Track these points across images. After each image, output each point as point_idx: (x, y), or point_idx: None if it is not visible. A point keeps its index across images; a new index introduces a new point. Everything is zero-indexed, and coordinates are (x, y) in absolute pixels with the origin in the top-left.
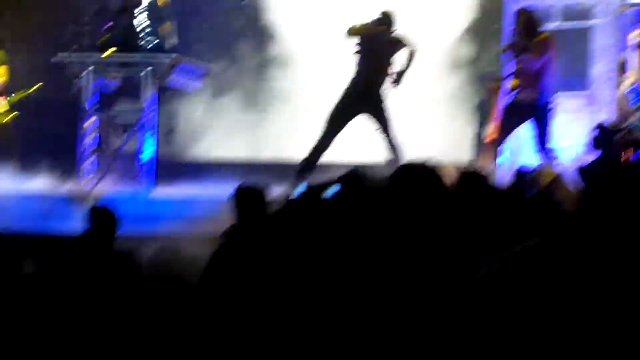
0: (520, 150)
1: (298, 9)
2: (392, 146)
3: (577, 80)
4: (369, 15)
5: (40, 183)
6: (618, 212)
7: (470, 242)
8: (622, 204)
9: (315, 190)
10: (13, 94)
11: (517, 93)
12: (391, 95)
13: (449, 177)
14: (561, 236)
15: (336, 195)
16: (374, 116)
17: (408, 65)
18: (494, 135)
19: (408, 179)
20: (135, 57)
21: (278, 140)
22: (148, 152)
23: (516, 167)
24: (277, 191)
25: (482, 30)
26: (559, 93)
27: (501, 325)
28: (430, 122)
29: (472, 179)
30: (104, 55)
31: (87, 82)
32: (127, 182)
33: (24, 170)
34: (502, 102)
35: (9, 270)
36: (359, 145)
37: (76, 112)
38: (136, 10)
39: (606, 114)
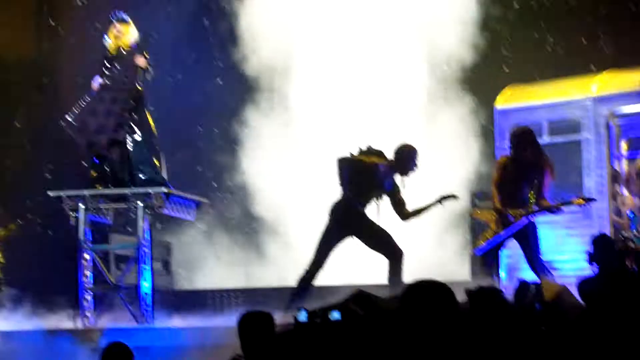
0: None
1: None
2: (391, 259)
3: (572, 192)
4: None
5: (43, 320)
6: (620, 329)
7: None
8: (623, 322)
9: (317, 315)
10: None
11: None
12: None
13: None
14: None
15: (343, 317)
16: (361, 237)
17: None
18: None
19: (420, 297)
20: (127, 191)
21: (274, 267)
22: (145, 284)
23: (515, 281)
24: (278, 317)
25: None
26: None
27: None
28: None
29: (486, 295)
30: (93, 191)
31: (81, 217)
32: (127, 315)
33: (26, 306)
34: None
35: None
36: (352, 267)
37: (74, 247)
38: (127, 144)
39: (601, 226)
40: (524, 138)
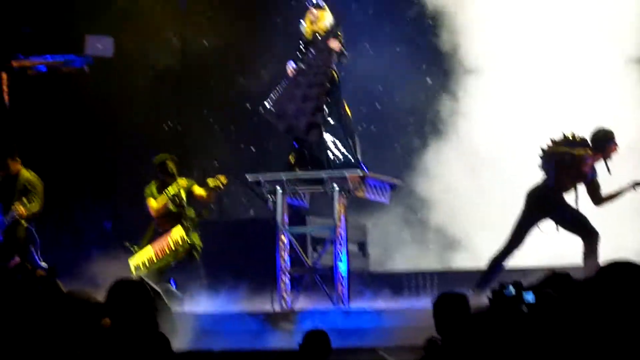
0: None
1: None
2: (588, 240)
3: None
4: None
5: (241, 302)
6: None
7: None
8: None
9: (515, 297)
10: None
11: None
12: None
13: None
14: None
15: (536, 299)
16: (557, 220)
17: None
18: None
19: (616, 278)
20: (323, 173)
21: (468, 249)
22: (341, 266)
23: None
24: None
25: None
26: None
27: None
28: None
29: None
30: (291, 174)
31: (279, 200)
32: (324, 297)
33: (224, 289)
34: None
35: None
36: (545, 249)
37: (271, 230)
38: (323, 128)
39: None
40: None
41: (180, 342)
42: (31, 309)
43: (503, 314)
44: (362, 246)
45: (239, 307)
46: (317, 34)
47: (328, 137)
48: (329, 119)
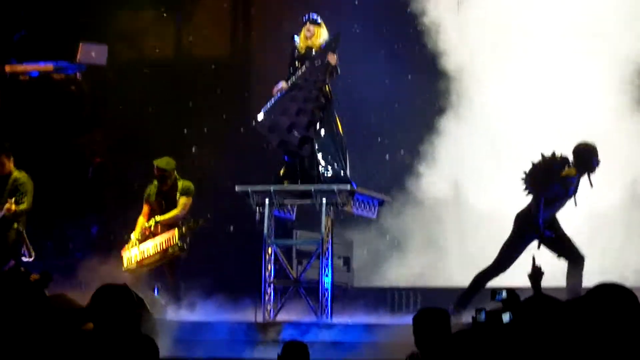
0: None
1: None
2: (574, 263)
3: None
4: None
5: (225, 312)
6: None
7: None
8: None
9: (494, 316)
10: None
11: None
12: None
13: None
14: None
15: (516, 319)
16: (545, 242)
17: None
18: None
19: (603, 300)
20: (312, 187)
21: (452, 266)
22: (326, 280)
23: None
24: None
25: None
26: None
27: None
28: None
29: None
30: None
31: (266, 212)
32: (307, 310)
33: (208, 298)
34: None
35: None
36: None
37: (257, 242)
38: (315, 143)
39: None
40: None
41: (161, 348)
42: (19, 313)
43: (484, 332)
44: (347, 260)
45: (222, 316)
46: (311, 50)
47: (320, 152)
48: (322, 134)
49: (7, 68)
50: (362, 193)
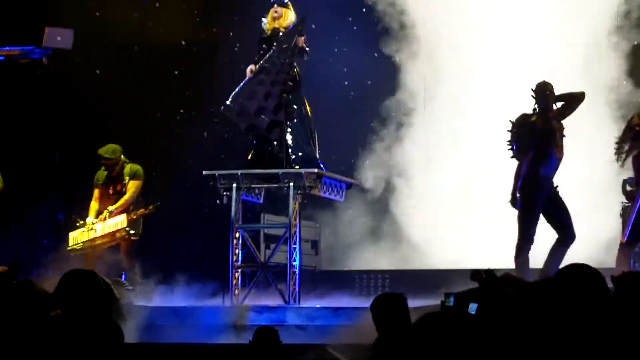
0: None
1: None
2: (563, 235)
3: None
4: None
5: (193, 297)
6: None
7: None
8: None
9: (463, 301)
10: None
11: None
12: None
13: None
14: None
15: (493, 298)
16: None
17: None
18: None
19: (573, 280)
20: (279, 171)
21: (420, 250)
22: (294, 263)
23: None
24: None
25: None
26: None
27: None
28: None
29: (630, 280)
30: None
31: (234, 196)
32: (275, 294)
33: (176, 284)
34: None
35: None
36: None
37: (225, 226)
38: (284, 126)
39: None
40: None
41: (129, 334)
42: None
43: (452, 316)
44: (315, 244)
45: (190, 301)
46: (279, 32)
47: (289, 136)
48: (291, 117)
49: None
50: (330, 176)
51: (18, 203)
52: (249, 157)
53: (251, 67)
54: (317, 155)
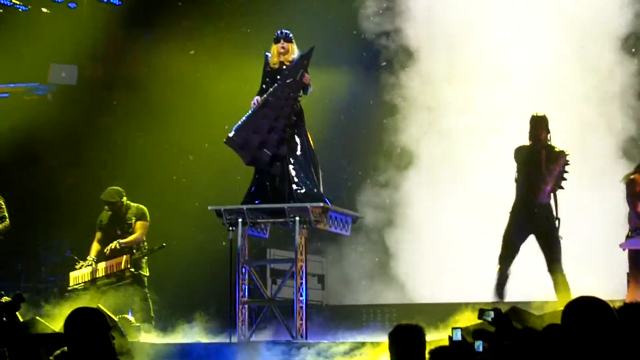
0: None
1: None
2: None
3: None
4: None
5: (199, 333)
6: None
7: None
8: None
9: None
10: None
11: None
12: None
13: None
14: None
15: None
16: (541, 237)
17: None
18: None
19: (581, 314)
20: (285, 205)
21: (427, 284)
22: (300, 298)
23: None
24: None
25: None
26: None
27: None
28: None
29: (632, 311)
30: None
31: (239, 231)
32: (282, 329)
33: (182, 319)
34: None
35: None
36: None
37: (230, 261)
38: (287, 160)
39: None
40: None
41: None
42: None
43: (459, 351)
44: (322, 279)
45: (196, 337)
46: (284, 65)
47: (291, 170)
48: (294, 151)
49: None
50: (335, 210)
51: (25, 239)
52: (251, 190)
53: (257, 98)
54: (321, 190)
